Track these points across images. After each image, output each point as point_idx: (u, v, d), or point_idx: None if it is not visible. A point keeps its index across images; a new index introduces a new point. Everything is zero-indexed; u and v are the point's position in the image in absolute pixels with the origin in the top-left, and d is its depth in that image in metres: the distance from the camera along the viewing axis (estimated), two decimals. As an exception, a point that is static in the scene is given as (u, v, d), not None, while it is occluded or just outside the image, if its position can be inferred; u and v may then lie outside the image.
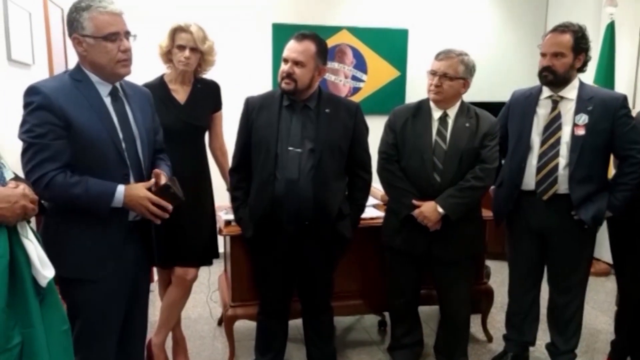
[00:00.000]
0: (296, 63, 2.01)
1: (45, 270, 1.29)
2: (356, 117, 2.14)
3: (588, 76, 3.67)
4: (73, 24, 1.54)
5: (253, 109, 2.13)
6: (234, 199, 2.22)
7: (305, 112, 2.09)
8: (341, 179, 2.16)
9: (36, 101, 1.49)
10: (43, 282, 1.29)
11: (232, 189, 2.23)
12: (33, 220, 1.41)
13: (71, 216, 1.58)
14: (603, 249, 3.40)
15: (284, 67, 2.04)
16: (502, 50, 4.59)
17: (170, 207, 1.62)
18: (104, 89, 1.61)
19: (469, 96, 2.34)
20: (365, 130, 2.20)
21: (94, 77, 1.60)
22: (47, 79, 1.65)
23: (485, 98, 3.70)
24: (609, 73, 3.71)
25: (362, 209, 2.26)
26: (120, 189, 1.55)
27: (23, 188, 1.29)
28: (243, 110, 2.18)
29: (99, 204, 1.54)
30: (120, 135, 1.61)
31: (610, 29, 3.72)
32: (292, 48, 2.03)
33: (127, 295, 1.72)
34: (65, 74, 1.62)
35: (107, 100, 1.62)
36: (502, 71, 4.46)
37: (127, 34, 1.59)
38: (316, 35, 2.07)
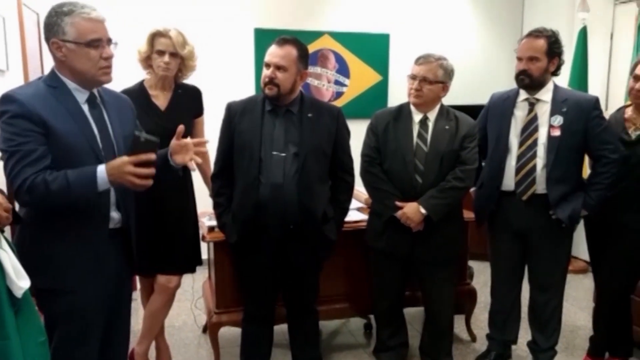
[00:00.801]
0: (278, 67, 2.01)
1: (20, 280, 1.26)
2: (338, 121, 2.16)
3: (563, 79, 3.75)
4: (53, 27, 1.50)
5: (235, 114, 2.12)
6: (216, 205, 2.20)
7: (288, 117, 2.09)
8: (325, 182, 2.17)
9: (12, 110, 1.45)
10: (18, 293, 1.26)
11: (215, 195, 2.22)
12: (7, 229, 1.38)
13: (48, 225, 1.54)
14: (581, 248, 3.47)
15: (266, 72, 2.04)
16: (481, 54, 4.66)
17: (153, 156, 1.49)
18: (81, 96, 1.58)
19: (449, 99, 2.37)
20: (347, 134, 2.22)
21: (70, 84, 1.56)
22: (21, 86, 1.60)
23: (464, 101, 3.75)
24: (583, 76, 3.80)
25: (345, 211, 2.28)
26: (101, 167, 1.47)
27: (-3, 197, 1.26)
28: (225, 115, 2.17)
29: (84, 189, 1.46)
30: (100, 143, 1.58)
31: (583, 33, 3.81)
32: (273, 53, 2.03)
33: (107, 305, 1.69)
34: (39, 81, 1.58)
35: (85, 107, 1.58)
36: (480, 75, 4.52)
37: (109, 41, 1.57)
38: (297, 40, 2.08)
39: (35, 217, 1.54)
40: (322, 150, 2.09)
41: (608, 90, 3.98)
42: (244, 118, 2.10)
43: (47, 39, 1.53)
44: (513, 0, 4.73)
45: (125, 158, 1.47)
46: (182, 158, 1.64)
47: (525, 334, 2.58)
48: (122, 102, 1.76)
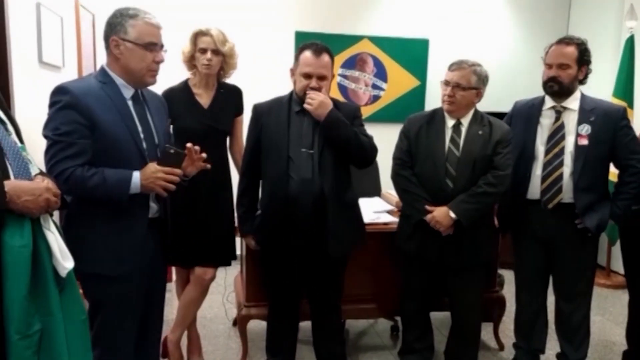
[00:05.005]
0: (321, 78, 2.06)
1: (65, 261, 1.35)
2: (355, 115, 2.17)
3: (607, 89, 3.63)
4: (116, 27, 1.63)
5: (261, 114, 2.17)
6: (239, 205, 2.25)
7: None
8: (349, 173, 2.20)
9: (64, 100, 1.56)
10: (63, 273, 1.35)
11: (239, 195, 2.26)
12: (56, 214, 1.48)
13: (93, 211, 1.64)
14: (620, 261, 3.34)
15: (306, 82, 2.06)
16: (522, 61, 4.55)
17: (179, 171, 1.66)
18: (127, 92, 1.70)
19: (487, 106, 2.34)
20: (362, 123, 2.20)
21: (118, 80, 1.68)
22: (74, 80, 1.73)
23: (505, 108, 3.68)
24: (628, 86, 3.66)
25: (362, 139, 2.12)
26: (136, 173, 1.61)
27: (47, 182, 1.36)
28: (251, 116, 2.21)
29: (117, 191, 1.59)
30: (142, 135, 1.69)
31: (630, 42, 3.66)
32: (314, 64, 2.05)
33: (145, 292, 1.78)
34: (90, 76, 1.71)
35: (130, 104, 1.70)
36: (523, 82, 4.41)
37: (161, 47, 1.70)
38: (327, 46, 2.12)
39: (80, 204, 1.64)
40: None
41: (656, 100, 3.83)
42: (270, 118, 2.14)
43: (107, 37, 1.65)
44: (558, 8, 4.62)
45: (157, 166, 1.62)
46: (190, 170, 1.77)
47: (555, 345, 2.52)
48: (159, 101, 1.89)
